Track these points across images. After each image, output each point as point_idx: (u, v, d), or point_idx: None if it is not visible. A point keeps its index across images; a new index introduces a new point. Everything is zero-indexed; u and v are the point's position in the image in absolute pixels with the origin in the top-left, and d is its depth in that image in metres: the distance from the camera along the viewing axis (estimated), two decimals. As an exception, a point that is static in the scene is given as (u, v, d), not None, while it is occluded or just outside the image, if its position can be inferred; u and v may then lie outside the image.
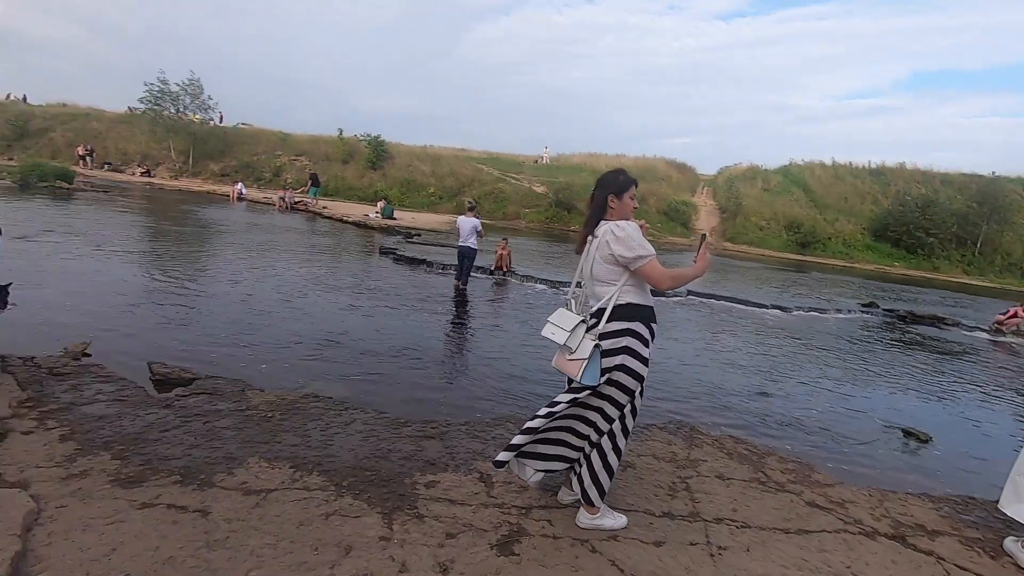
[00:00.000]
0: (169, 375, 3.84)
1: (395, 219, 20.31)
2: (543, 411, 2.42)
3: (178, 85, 29.69)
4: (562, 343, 2.39)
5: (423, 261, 11.21)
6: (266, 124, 36.32)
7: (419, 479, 2.78)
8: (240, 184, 24.62)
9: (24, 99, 38.18)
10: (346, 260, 11.39)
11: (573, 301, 2.60)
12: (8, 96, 38.06)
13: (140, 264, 8.17)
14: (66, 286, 6.16)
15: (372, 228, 18.06)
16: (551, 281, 10.43)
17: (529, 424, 2.41)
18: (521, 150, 46.39)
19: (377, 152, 31.56)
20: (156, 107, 29.61)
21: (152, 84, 28.99)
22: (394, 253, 11.92)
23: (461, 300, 8.34)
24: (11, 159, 27.50)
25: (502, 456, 2.43)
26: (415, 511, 2.48)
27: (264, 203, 22.74)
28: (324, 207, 22.21)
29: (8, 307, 3.58)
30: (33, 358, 3.71)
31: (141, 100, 29.64)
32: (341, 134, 32.58)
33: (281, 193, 23.02)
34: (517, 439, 2.41)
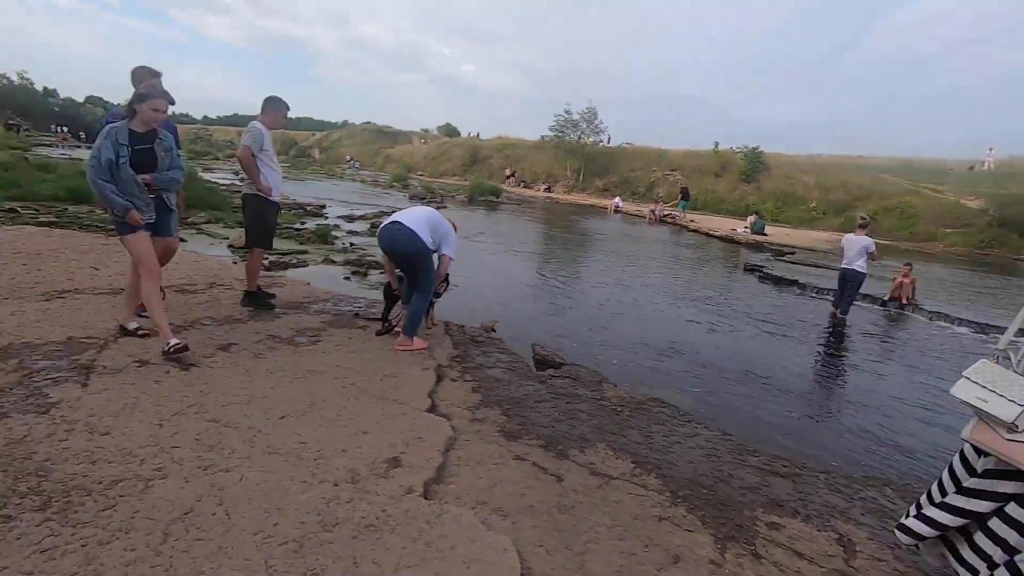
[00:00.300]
0: (546, 357, 4.57)
1: (766, 235, 18.92)
2: (958, 500, 1.90)
3: (578, 114, 34.95)
4: (999, 416, 1.79)
5: (793, 282, 10.10)
6: (647, 142, 39.05)
7: (761, 516, 2.55)
8: (617, 198, 27.17)
9: (478, 135, 51.42)
10: (705, 274, 11.24)
11: (1013, 355, 1.93)
12: (469, 134, 51.96)
13: (534, 263, 9.96)
14: (488, 276, 8.04)
15: (739, 243, 17.29)
16: (977, 324, 7.91)
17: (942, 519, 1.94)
18: (949, 153, 36.53)
19: (753, 164, 29.99)
20: (560, 133, 35.61)
21: (560, 115, 35.05)
22: (760, 271, 11.12)
23: (835, 331, 7.17)
24: (465, 180, 37.36)
25: (919, 528, 2.03)
26: (752, 548, 2.29)
27: (636, 215, 24.48)
28: (691, 220, 22.43)
29: (450, 287, 4.91)
30: (463, 327, 4.98)
31: (551, 128, 36.15)
32: (716, 147, 32.31)
33: (652, 206, 24.35)
34: (939, 517, 1.98)
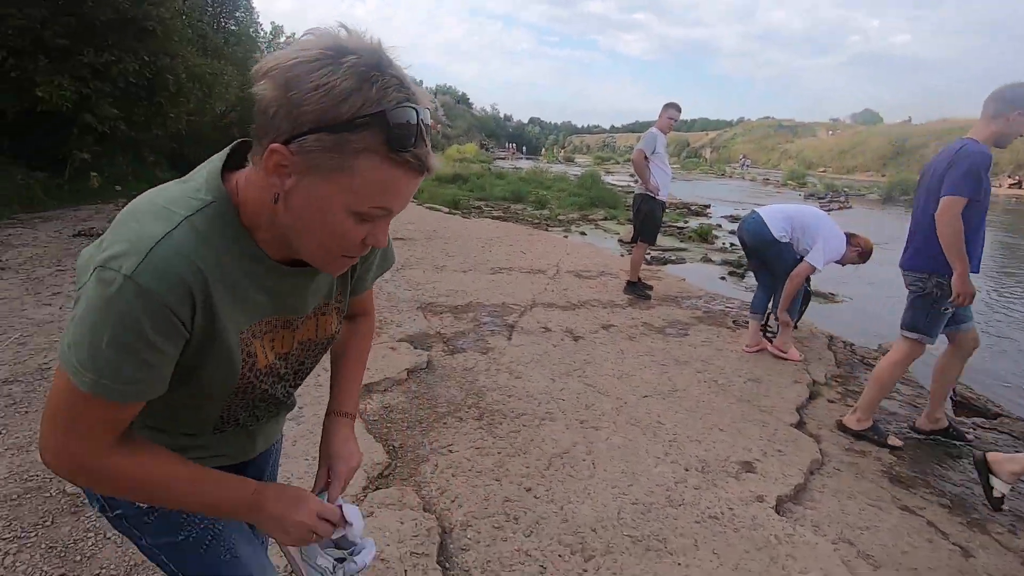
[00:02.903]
0: (970, 400, 3.54)
1: None
2: None
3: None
4: None
5: None
6: None
7: None
8: None
9: (909, 120, 41.79)
10: None
11: None
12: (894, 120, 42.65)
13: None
14: (889, 290, 6.60)
15: None
16: None
17: None
18: None
19: None
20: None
21: None
22: None
23: None
24: (884, 176, 31.06)
25: None
26: None
27: None
28: None
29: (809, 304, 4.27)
30: (852, 345, 4.31)
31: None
32: None
33: None
34: None
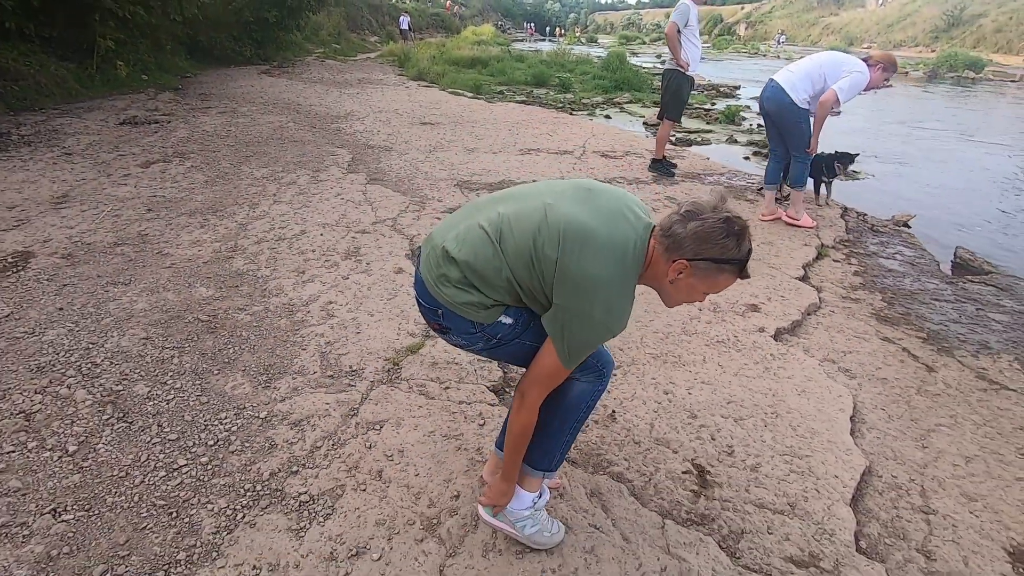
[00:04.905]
0: (970, 262, 3.84)
1: None
2: None
3: None
4: None
5: None
6: None
7: None
8: None
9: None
10: None
11: None
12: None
13: (1004, 159, 7.54)
14: (925, 167, 6.66)
15: None
16: None
17: None
18: None
19: None
20: None
21: None
22: None
23: None
24: (933, 51, 28.77)
25: None
26: None
27: None
28: None
29: (852, 174, 4.46)
30: (864, 215, 4.55)
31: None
32: None
33: None
34: None
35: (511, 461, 1.39)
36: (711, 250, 1.17)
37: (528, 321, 1.33)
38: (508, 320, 1.31)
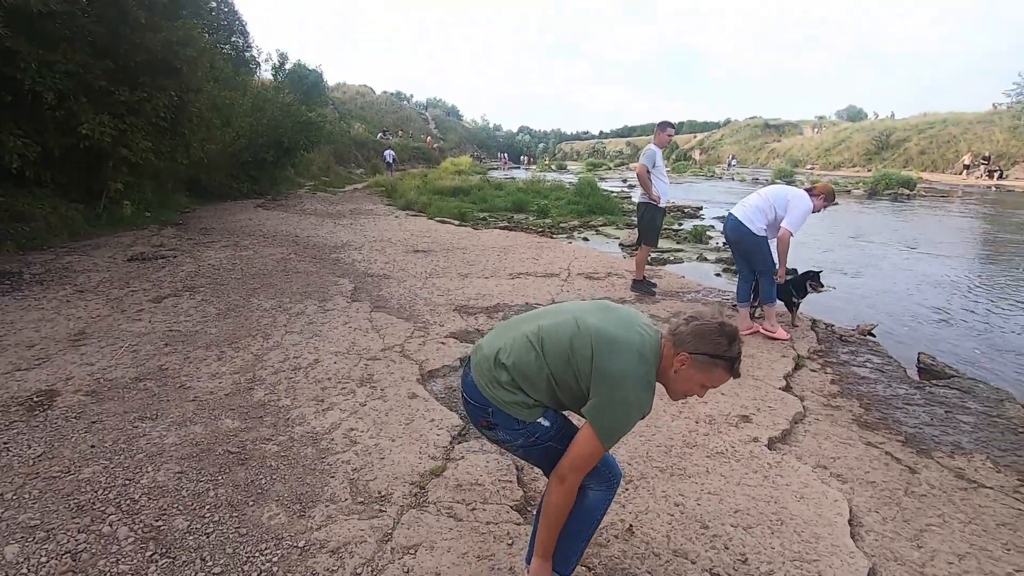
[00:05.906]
0: (933, 366, 4.18)
1: None
2: None
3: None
4: None
5: None
6: None
7: None
8: None
9: (891, 115, 42.84)
10: None
11: None
12: (876, 115, 43.76)
13: (944, 265, 8.30)
14: (875, 277, 7.29)
15: None
16: None
17: None
18: None
19: None
20: (1024, 99, 26.54)
21: (1025, 74, 26.08)
22: None
23: None
24: (869, 170, 31.95)
25: None
26: None
27: None
28: None
29: (824, 289, 4.96)
30: (832, 326, 4.97)
31: (1006, 93, 27.31)
32: None
33: None
34: None
35: (549, 537, 1.59)
36: (707, 346, 1.50)
37: (561, 427, 1.62)
38: (546, 423, 1.59)
